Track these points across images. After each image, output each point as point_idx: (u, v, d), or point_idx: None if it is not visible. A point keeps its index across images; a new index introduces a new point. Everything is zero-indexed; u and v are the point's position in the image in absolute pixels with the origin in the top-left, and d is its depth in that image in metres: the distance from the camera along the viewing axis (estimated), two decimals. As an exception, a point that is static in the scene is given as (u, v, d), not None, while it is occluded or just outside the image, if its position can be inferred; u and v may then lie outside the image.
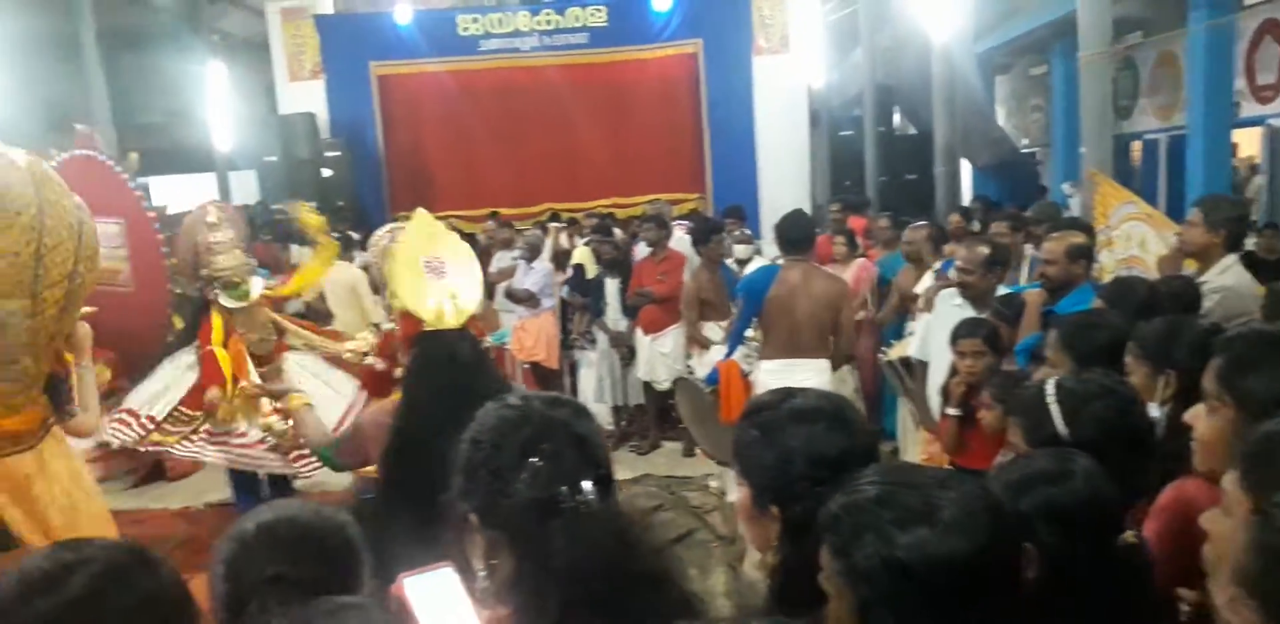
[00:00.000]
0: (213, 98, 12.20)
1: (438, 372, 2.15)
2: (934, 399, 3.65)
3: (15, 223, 2.36)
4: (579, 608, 1.07)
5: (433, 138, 11.71)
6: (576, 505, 1.16)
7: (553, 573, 1.09)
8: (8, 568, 0.99)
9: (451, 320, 2.20)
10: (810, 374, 4.18)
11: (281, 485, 4.78)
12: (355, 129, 11.45)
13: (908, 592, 0.98)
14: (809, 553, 1.08)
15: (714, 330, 5.68)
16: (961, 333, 3.26)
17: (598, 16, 11.13)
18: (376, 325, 4.52)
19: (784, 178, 10.92)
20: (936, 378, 3.63)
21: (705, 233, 5.84)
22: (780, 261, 4.75)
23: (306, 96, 11.40)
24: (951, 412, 3.22)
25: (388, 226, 3.92)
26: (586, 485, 1.18)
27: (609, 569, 1.10)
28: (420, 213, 2.47)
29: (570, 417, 1.26)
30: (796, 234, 4.46)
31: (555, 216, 10.32)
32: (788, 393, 1.39)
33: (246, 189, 13.07)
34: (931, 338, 3.95)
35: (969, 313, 3.65)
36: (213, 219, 4.30)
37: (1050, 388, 1.76)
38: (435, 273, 2.25)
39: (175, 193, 8.94)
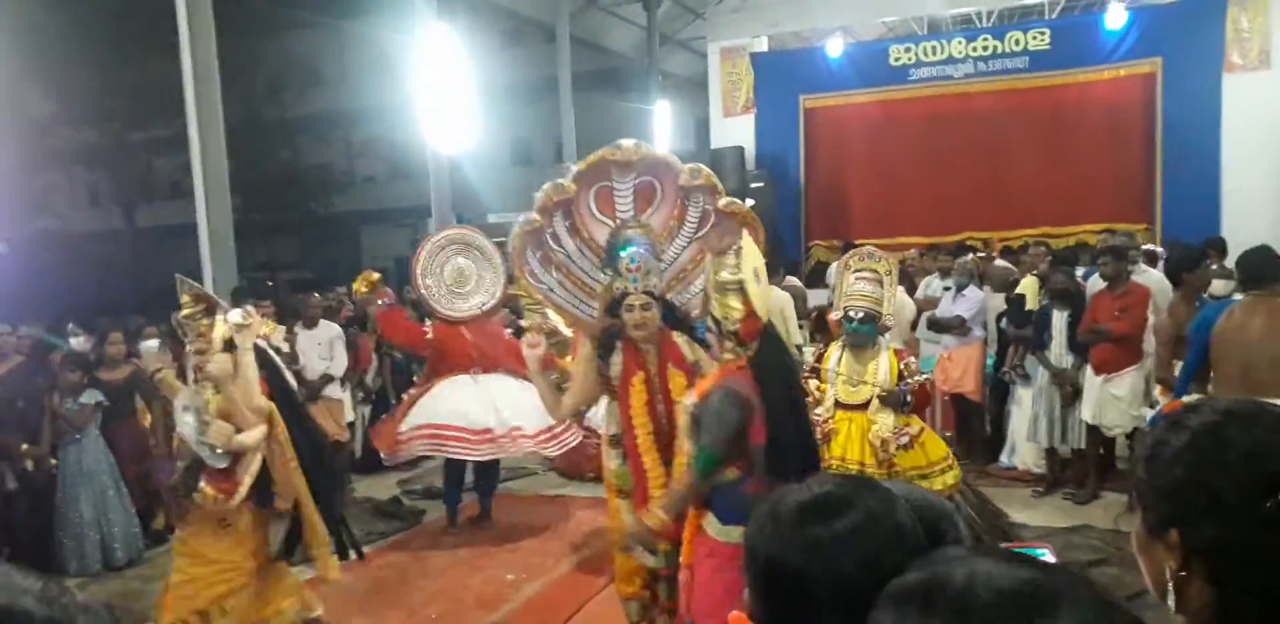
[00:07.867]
0: (657, 133, 13.37)
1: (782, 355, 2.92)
2: None
3: None
4: None
5: (853, 167, 11.86)
6: None
7: None
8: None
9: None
10: None
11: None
12: (779, 161, 11.92)
13: None
14: None
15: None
16: None
17: (1040, 39, 10.64)
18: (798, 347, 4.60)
19: (1252, 210, 9.63)
20: None
21: (1191, 261, 5.30)
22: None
23: (737, 131, 12.11)
24: None
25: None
26: None
27: None
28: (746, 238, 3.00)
29: None
30: (1259, 269, 4.20)
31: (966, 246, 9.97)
32: None
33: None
34: None
35: None
36: None
37: None
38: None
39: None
